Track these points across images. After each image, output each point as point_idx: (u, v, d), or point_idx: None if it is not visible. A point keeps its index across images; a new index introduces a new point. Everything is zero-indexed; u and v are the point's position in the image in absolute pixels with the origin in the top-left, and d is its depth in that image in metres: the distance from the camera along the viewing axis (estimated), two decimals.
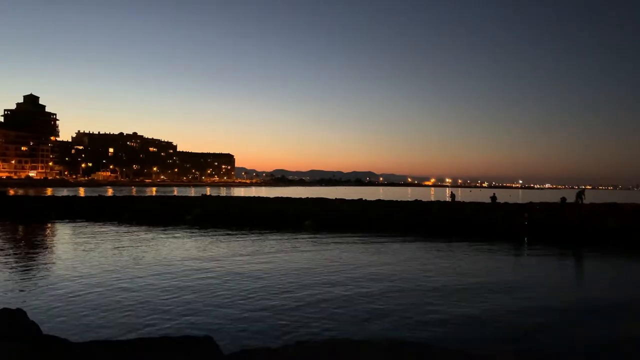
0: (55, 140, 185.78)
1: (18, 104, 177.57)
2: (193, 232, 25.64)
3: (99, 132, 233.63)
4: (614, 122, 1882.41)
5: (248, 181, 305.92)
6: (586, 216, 28.87)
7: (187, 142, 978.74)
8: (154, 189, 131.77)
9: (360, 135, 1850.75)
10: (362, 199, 40.30)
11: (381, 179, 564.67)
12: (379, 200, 39.19)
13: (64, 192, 79.68)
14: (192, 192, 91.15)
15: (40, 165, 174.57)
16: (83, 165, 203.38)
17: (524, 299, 11.88)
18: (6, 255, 17.39)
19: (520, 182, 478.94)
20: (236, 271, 14.71)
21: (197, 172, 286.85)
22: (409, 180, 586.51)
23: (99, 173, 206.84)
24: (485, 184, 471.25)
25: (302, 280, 13.45)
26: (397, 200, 39.69)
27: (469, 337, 8.76)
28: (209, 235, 24.32)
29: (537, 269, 16.73)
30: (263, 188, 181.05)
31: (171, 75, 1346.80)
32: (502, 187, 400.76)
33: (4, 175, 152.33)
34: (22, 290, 11.89)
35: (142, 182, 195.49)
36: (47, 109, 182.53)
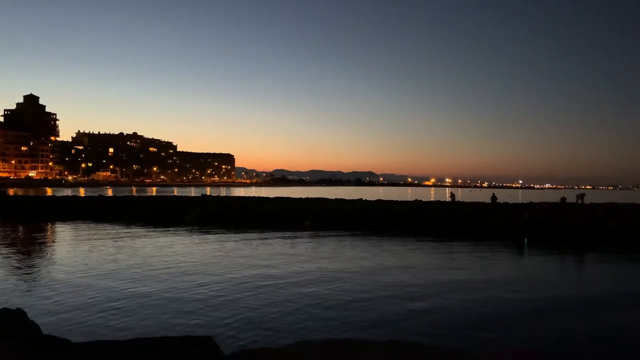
0: (55, 140, 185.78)
1: (18, 104, 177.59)
2: (193, 232, 25.64)
3: (99, 132, 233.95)
4: (614, 123, 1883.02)
5: (248, 181, 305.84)
6: (586, 216, 28.89)
7: (187, 142, 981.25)
8: (154, 189, 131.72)
9: (360, 135, 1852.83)
10: (362, 199, 40.34)
11: (381, 179, 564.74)
12: (379, 200, 39.22)
13: (64, 192, 79.68)
14: (192, 192, 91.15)
15: (40, 165, 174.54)
16: (83, 165, 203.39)
17: (523, 299, 11.87)
18: (6, 255, 17.37)
19: (520, 182, 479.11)
20: (235, 270, 14.71)
21: (197, 172, 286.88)
22: (409, 180, 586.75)
23: (99, 173, 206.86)
24: (485, 184, 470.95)
25: (297, 279, 13.44)
26: (397, 200, 39.72)
27: (469, 337, 8.76)
28: (209, 236, 24.32)
29: (536, 269, 16.72)
30: (263, 188, 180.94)
31: (171, 75, 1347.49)
32: (502, 187, 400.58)
33: (3, 175, 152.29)
34: (22, 290, 11.88)
35: (142, 182, 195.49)
36: (47, 109, 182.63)
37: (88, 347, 4.80)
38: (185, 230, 26.76)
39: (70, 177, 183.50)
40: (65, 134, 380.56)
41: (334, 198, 41.33)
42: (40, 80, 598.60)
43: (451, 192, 48.99)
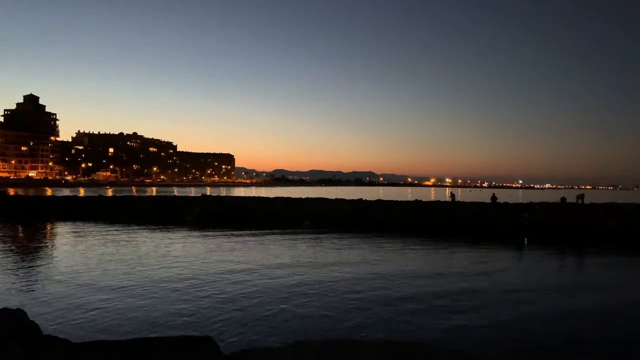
0: (55, 140, 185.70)
1: (18, 104, 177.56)
2: (193, 232, 25.64)
3: (99, 132, 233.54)
4: (614, 123, 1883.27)
5: (248, 181, 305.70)
6: (586, 216, 28.88)
7: (187, 142, 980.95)
8: (154, 189, 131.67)
9: (360, 135, 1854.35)
10: (362, 199, 40.33)
11: (381, 179, 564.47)
12: (379, 200, 39.21)
13: (64, 192, 79.68)
14: (192, 192, 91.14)
15: (40, 165, 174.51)
16: (83, 165, 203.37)
17: (523, 299, 11.88)
18: (6, 255, 17.38)
19: (520, 182, 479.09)
20: (234, 269, 14.71)
21: (197, 172, 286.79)
22: (409, 180, 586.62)
23: (99, 173, 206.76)
24: (485, 184, 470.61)
25: (293, 279, 13.45)
26: (397, 200, 39.71)
27: (469, 337, 8.76)
28: (208, 235, 24.32)
29: (536, 269, 16.71)
30: (263, 188, 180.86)
31: (171, 75, 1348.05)
32: (502, 187, 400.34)
33: (4, 175, 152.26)
34: (22, 290, 11.89)
35: (142, 182, 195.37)
36: (47, 109, 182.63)
37: (88, 347, 4.80)
38: (185, 230, 26.76)
39: (70, 177, 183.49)
40: (65, 134, 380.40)
41: (334, 198, 41.32)
42: (40, 80, 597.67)
43: (451, 192, 48.97)
